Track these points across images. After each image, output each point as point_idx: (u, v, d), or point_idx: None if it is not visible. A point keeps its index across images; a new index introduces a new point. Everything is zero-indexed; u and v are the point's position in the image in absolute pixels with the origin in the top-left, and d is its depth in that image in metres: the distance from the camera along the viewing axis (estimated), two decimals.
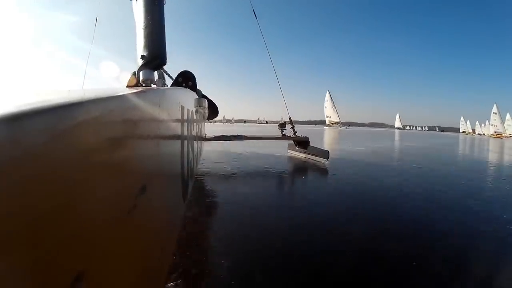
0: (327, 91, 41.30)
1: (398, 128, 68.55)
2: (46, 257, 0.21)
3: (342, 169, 3.82)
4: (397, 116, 73.00)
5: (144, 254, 0.47)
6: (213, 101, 3.12)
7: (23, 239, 0.18)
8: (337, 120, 40.32)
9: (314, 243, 1.45)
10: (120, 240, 0.35)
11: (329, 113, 41.29)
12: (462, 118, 52.14)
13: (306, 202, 2.26)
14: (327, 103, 41.49)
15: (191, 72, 2.25)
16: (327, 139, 11.45)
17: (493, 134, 38.68)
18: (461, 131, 49.21)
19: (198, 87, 2.32)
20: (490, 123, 41.14)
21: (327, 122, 40.99)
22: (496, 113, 40.53)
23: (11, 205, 0.17)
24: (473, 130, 48.52)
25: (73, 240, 0.24)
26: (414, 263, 1.22)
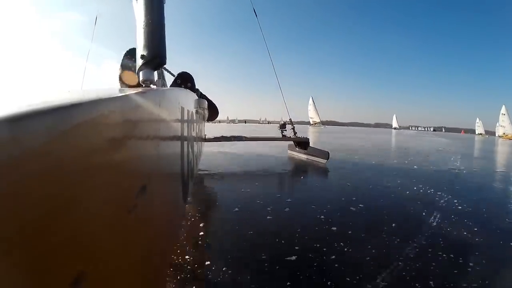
0: (311, 97, 51.17)
1: (395, 128, 70.53)
2: (46, 257, 0.20)
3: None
4: (394, 117, 77.19)
5: (145, 254, 0.46)
6: (213, 102, 3.10)
7: (23, 239, 0.18)
8: (318, 120, 50.38)
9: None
10: (121, 240, 0.35)
11: (312, 115, 51.26)
12: (478, 120, 48.84)
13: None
14: (310, 106, 51.29)
15: (189, 73, 2.24)
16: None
17: (502, 135, 36.98)
18: (477, 132, 47.00)
19: (200, 88, 2.31)
20: (499, 124, 38.63)
21: (311, 122, 50.62)
22: (504, 114, 39.38)
23: (11, 205, 0.17)
24: (486, 132, 45.59)
25: (74, 240, 0.24)
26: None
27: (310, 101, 51.44)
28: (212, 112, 3.20)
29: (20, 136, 0.18)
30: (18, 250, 0.18)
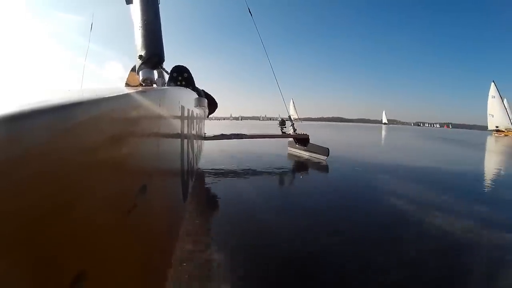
0: (291, 99, 60.71)
1: (384, 123, 72.32)
2: (46, 257, 0.21)
3: None
4: (383, 113, 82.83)
5: (145, 254, 0.47)
6: (211, 95, 3.04)
7: (23, 239, 0.18)
8: (297, 117, 59.36)
9: None
10: (121, 240, 0.35)
11: (292, 113, 69.74)
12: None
13: None
14: (291, 107, 61.39)
15: (184, 66, 2.23)
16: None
17: (495, 131, 22.95)
18: (489, 128, 39.62)
19: (200, 86, 2.29)
20: (488, 112, 24.40)
21: (292, 118, 63.33)
22: (494, 97, 23.86)
23: (11, 205, 0.17)
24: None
25: (74, 240, 0.24)
26: None
27: (291, 103, 62.86)
28: (211, 106, 3.14)
29: (19, 135, 0.18)
30: (18, 250, 0.18)
